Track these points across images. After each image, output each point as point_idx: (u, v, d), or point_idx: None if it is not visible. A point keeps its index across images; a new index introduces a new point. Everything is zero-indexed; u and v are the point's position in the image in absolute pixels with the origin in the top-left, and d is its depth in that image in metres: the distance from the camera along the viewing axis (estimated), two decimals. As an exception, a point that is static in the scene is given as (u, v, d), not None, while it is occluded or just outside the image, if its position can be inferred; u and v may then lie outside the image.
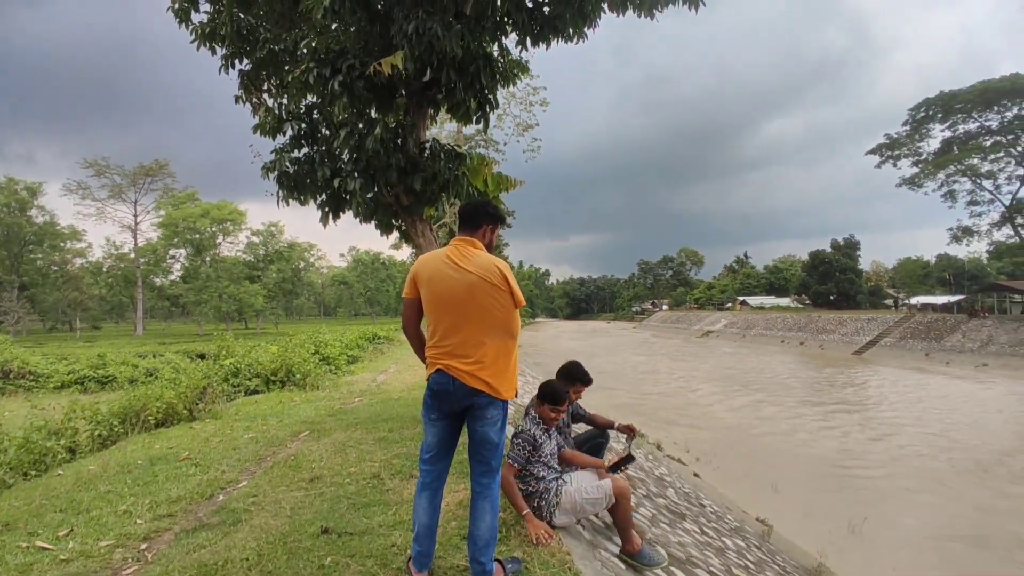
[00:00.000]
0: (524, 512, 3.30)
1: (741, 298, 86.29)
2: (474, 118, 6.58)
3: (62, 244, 59.89)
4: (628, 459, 4.08)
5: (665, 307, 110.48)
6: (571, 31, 6.77)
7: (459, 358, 2.61)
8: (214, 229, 56.23)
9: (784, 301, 78.45)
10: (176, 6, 7.19)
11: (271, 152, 6.58)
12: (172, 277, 61.29)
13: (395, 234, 7.69)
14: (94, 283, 60.19)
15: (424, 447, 2.76)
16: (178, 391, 8.19)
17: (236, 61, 7.17)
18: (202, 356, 20.90)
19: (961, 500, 10.22)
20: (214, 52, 7.41)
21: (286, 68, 6.75)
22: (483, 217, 2.87)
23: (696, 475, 11.72)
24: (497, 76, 6.48)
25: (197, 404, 8.35)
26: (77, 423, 7.47)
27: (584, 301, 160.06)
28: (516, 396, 2.75)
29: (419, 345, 2.88)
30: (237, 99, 7.75)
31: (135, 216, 58.01)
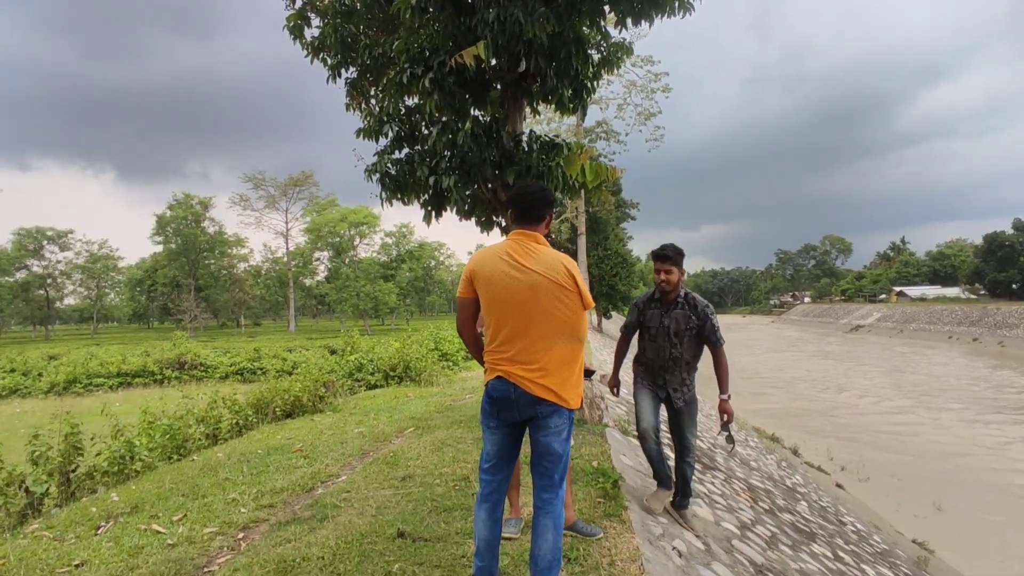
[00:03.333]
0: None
1: (898, 288, 77.20)
2: (570, 107, 6.30)
3: (229, 251, 67.60)
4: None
5: (807, 299, 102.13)
6: (675, 3, 6.25)
7: (521, 364, 2.40)
8: (351, 232, 60.40)
9: (952, 291, 69.02)
10: (291, 24, 7.64)
11: (373, 155, 6.77)
12: (318, 278, 66.89)
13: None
14: (255, 284, 67.42)
15: (483, 456, 2.60)
16: (303, 385, 8.79)
17: (342, 70, 7.47)
18: (333, 351, 22.55)
19: None
20: (325, 63, 7.80)
21: (386, 73, 6.90)
22: (545, 206, 2.59)
23: (839, 486, 10.57)
24: (593, 61, 6.14)
25: (320, 398, 8.90)
26: (220, 412, 8.26)
27: (717, 294, 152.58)
28: (581, 405, 2.50)
29: (477, 348, 2.69)
30: (347, 107, 8.11)
31: (286, 223, 63.89)
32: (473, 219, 7.05)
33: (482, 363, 2.64)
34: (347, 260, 60.79)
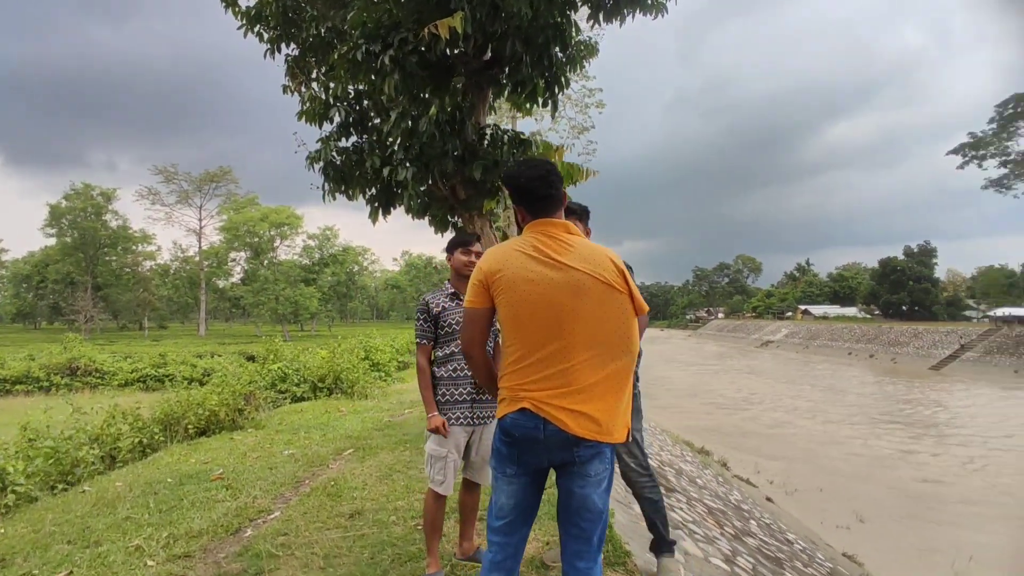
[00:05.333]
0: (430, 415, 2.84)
1: (803, 307, 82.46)
2: (541, 100, 5.85)
3: (134, 247, 62.93)
4: None
5: (721, 315, 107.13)
6: (648, 1, 5.95)
7: (556, 389, 1.80)
8: (272, 233, 57.66)
9: (850, 311, 74.38)
10: (223, -10, 6.77)
11: (316, 141, 6.03)
12: (233, 279, 63.36)
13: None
14: (162, 284, 62.82)
15: (494, 510, 1.95)
16: (220, 398, 7.76)
17: (283, 46, 6.68)
18: (251, 358, 20.95)
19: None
20: (262, 38, 6.96)
21: (334, 50, 6.19)
22: (561, 181, 2.02)
23: (769, 500, 10.65)
24: (567, 52, 5.72)
25: (240, 412, 7.91)
26: (119, 428, 7.12)
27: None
28: (630, 437, 1.94)
29: (488, 374, 2.08)
30: (285, 88, 7.29)
31: (200, 220, 60.25)
32: (427, 218, 6.44)
33: (492, 392, 2.05)
34: (266, 262, 57.93)
